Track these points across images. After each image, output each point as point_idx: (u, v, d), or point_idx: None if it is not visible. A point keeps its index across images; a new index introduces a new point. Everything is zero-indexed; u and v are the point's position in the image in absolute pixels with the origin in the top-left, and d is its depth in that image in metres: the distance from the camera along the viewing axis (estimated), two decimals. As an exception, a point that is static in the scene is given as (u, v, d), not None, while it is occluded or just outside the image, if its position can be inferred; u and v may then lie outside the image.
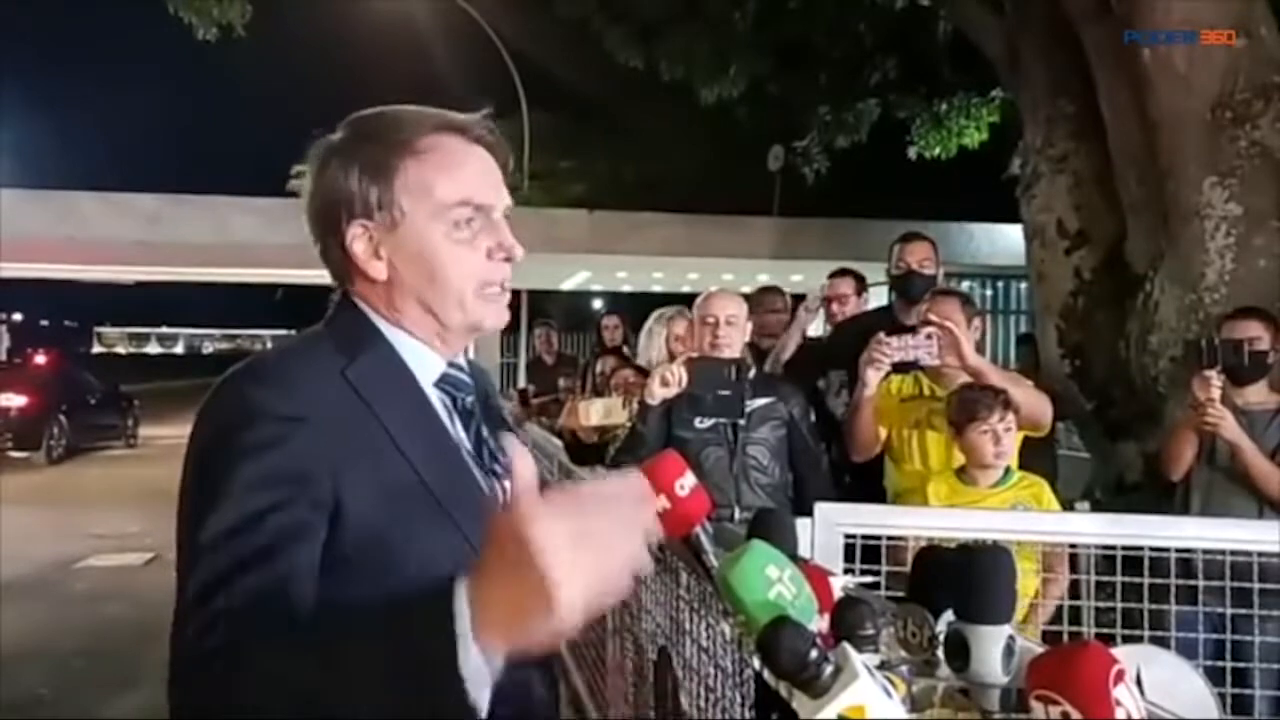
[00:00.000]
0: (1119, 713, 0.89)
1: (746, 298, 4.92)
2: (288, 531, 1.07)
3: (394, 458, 1.15)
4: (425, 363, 1.26)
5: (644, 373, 4.22)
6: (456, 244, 1.23)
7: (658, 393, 3.27)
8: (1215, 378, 3.36)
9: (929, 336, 3.22)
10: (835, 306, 4.62)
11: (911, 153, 11.16)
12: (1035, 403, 3.26)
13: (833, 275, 4.79)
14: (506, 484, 1.26)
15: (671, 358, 4.06)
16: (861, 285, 4.72)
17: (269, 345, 1.27)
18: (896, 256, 4.06)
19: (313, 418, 1.12)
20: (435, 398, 1.26)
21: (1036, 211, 5.53)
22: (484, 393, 1.36)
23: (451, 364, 1.29)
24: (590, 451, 4.00)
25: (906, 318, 3.87)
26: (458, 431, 1.27)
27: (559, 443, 5.04)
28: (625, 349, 6.35)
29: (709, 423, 3.34)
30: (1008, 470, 3.11)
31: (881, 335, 3.30)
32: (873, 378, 3.33)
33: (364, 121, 1.27)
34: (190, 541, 1.07)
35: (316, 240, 1.28)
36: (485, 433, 1.30)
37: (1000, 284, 18.86)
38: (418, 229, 1.22)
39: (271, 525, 1.07)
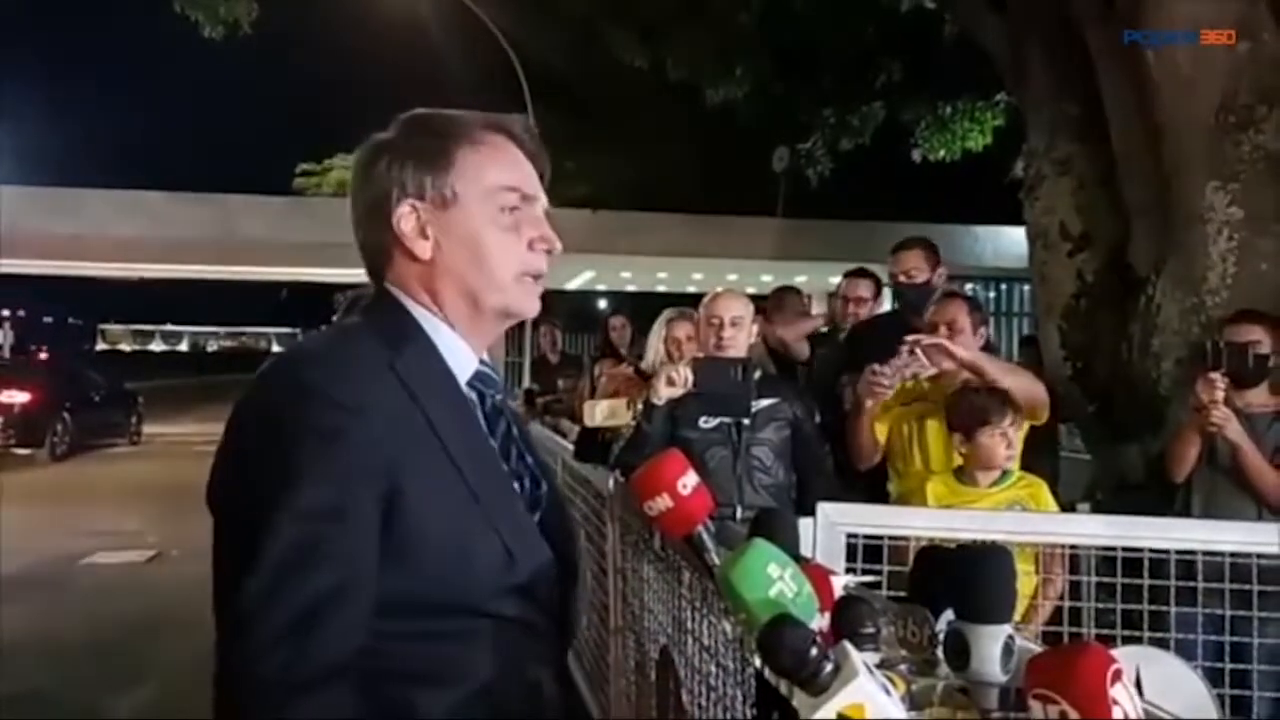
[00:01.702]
0: (1116, 712, 0.90)
1: (766, 298, 4.94)
2: (357, 538, 1.09)
3: (439, 456, 1.17)
4: (461, 359, 1.27)
5: (642, 373, 4.23)
6: (503, 230, 1.27)
7: (663, 392, 3.28)
8: (1219, 380, 3.37)
9: (912, 353, 3.19)
10: (852, 308, 4.63)
11: (916, 155, 11.18)
12: (1031, 389, 3.26)
13: (849, 275, 4.79)
14: (528, 482, 1.29)
15: (670, 359, 4.08)
16: (878, 287, 4.73)
17: (274, 344, 1.28)
18: (889, 266, 4.08)
19: (370, 409, 1.12)
20: (468, 395, 1.27)
21: (1039, 214, 5.53)
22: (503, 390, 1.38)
23: (482, 361, 1.31)
24: (595, 450, 4.01)
25: (913, 322, 3.88)
26: (486, 430, 1.28)
27: (563, 441, 5.05)
28: (629, 350, 6.36)
29: (713, 422, 3.35)
30: (1006, 470, 3.12)
31: (875, 367, 3.25)
32: (871, 406, 3.34)
33: (418, 117, 1.31)
34: (256, 547, 1.06)
35: (358, 228, 1.30)
36: (515, 431, 1.32)
37: (1004, 286, 18.89)
38: (467, 211, 1.26)
39: (342, 533, 1.08)
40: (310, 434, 1.08)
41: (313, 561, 1.06)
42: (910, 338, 3.22)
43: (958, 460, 3.18)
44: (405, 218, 1.25)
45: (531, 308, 1.31)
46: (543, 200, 1.32)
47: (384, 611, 1.10)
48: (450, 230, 1.25)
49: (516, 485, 1.27)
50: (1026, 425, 3.20)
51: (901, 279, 3.99)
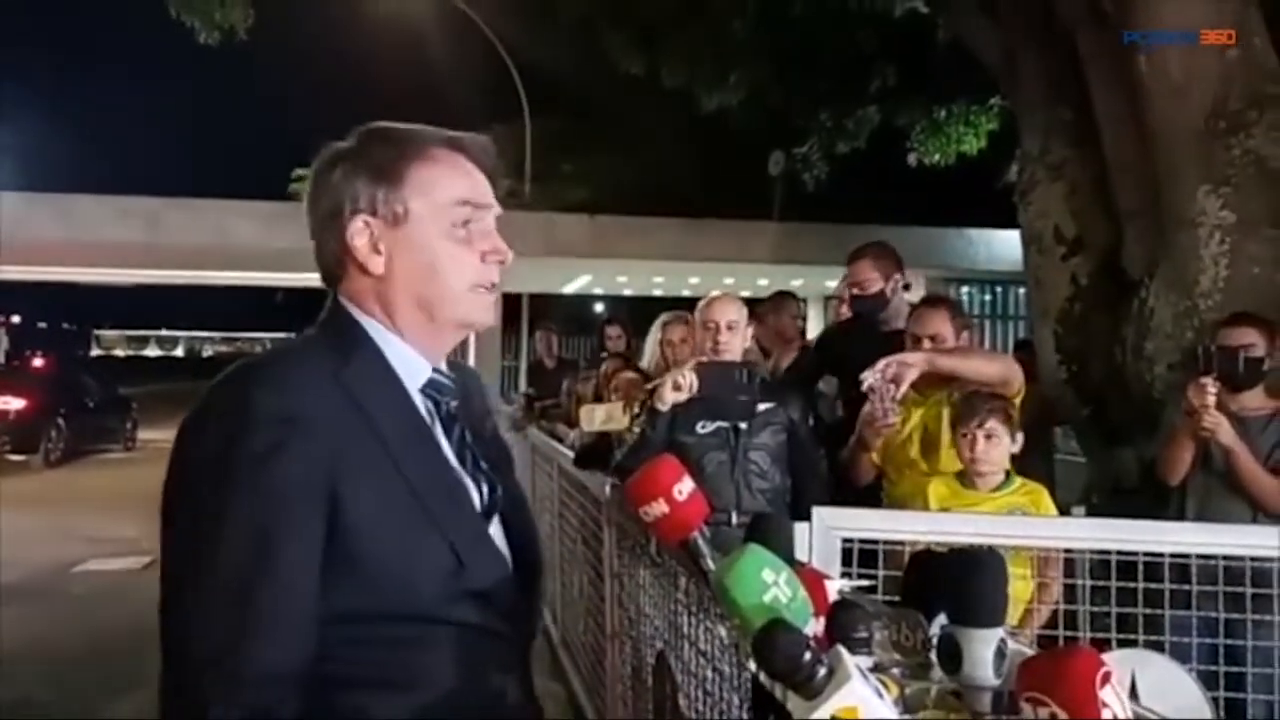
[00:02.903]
0: (1106, 714, 0.90)
1: (760, 302, 4.94)
2: (300, 553, 1.11)
3: (386, 464, 1.18)
4: (412, 368, 1.28)
5: (646, 375, 4.23)
6: (456, 243, 1.28)
7: (668, 398, 3.27)
8: (1210, 384, 3.38)
9: (872, 390, 3.13)
10: (846, 310, 4.63)
11: (911, 159, 11.20)
12: (987, 367, 3.26)
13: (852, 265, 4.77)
14: (484, 487, 1.30)
15: (665, 362, 4.08)
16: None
17: (269, 348, 1.29)
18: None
19: (310, 420, 1.14)
20: (420, 403, 1.28)
21: (1033, 218, 5.55)
22: (471, 394, 1.39)
23: (436, 369, 1.32)
24: (595, 456, 4.01)
25: (881, 325, 3.90)
26: (440, 437, 1.29)
27: (560, 446, 5.05)
28: (627, 353, 6.35)
29: (711, 427, 3.36)
30: (1009, 475, 3.13)
31: (873, 416, 3.20)
32: (877, 443, 3.32)
33: (376, 130, 1.32)
34: (197, 567, 1.10)
35: (314, 237, 1.31)
36: (469, 437, 1.33)
37: (998, 289, 18.93)
38: (420, 227, 1.27)
39: (283, 549, 1.10)
40: (249, 450, 1.10)
41: (252, 578, 1.08)
42: (863, 375, 3.13)
43: (959, 464, 3.18)
44: (359, 233, 1.26)
45: (486, 318, 1.33)
46: (495, 209, 1.33)
47: (334, 620, 1.12)
48: (403, 246, 1.27)
49: (474, 492, 1.28)
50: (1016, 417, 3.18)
51: (854, 290, 3.96)
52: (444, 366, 1.34)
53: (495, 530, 1.31)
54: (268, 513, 1.10)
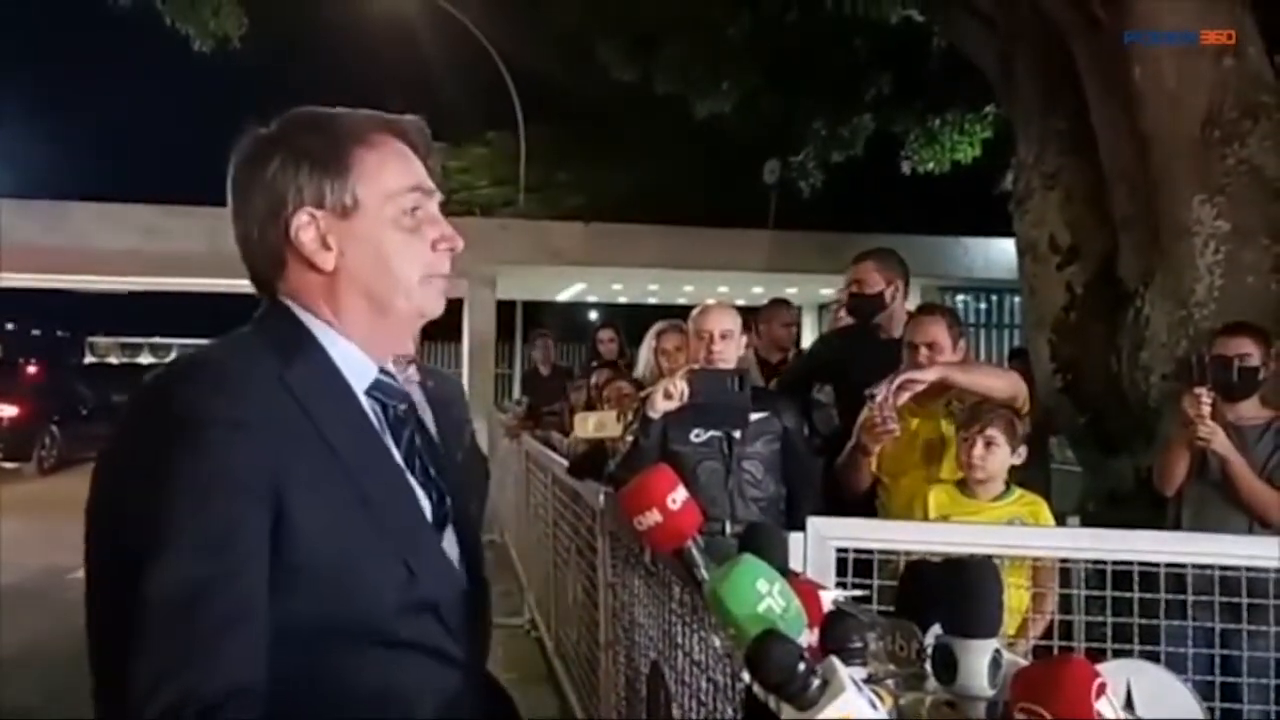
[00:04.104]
0: (1101, 725, 0.90)
1: (754, 310, 4.94)
2: (245, 565, 1.03)
3: (333, 470, 1.11)
4: (357, 369, 1.22)
5: (638, 385, 4.23)
6: (406, 232, 1.23)
7: (660, 406, 3.26)
8: (1206, 394, 3.38)
9: (871, 396, 3.14)
10: (843, 315, 4.63)
11: (906, 167, 11.22)
12: (996, 382, 3.26)
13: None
14: (435, 494, 1.25)
15: (660, 371, 4.08)
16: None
17: (201, 348, 1.19)
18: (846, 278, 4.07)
19: (253, 423, 1.06)
20: (367, 406, 1.22)
21: (1029, 226, 5.56)
22: (451, 402, 1.36)
23: (383, 370, 1.26)
24: (589, 466, 4.00)
25: (879, 332, 3.91)
26: (388, 442, 1.23)
27: (554, 455, 5.05)
28: (621, 362, 6.35)
29: (705, 436, 3.35)
30: (1009, 486, 3.12)
31: (873, 423, 3.18)
32: (875, 449, 3.30)
33: (304, 115, 1.25)
34: (136, 585, 0.99)
35: (243, 236, 1.23)
36: (418, 442, 1.28)
37: (994, 298, 18.92)
38: (369, 217, 1.21)
39: (226, 561, 1.01)
40: (185, 460, 1.02)
41: (193, 594, 0.99)
42: (868, 391, 3.15)
43: (959, 473, 3.18)
44: (304, 228, 1.19)
45: (438, 307, 1.27)
46: (438, 195, 1.27)
47: (280, 634, 1.03)
48: (352, 238, 1.20)
49: (424, 499, 1.23)
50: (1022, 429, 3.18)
51: (854, 289, 3.97)
52: (390, 367, 1.29)
53: (448, 542, 1.25)
54: (209, 522, 1.01)
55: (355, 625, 1.10)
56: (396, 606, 1.13)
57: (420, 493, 1.23)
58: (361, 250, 1.21)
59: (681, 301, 18.03)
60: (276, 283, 1.23)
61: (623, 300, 21.81)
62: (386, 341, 1.27)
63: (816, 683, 0.92)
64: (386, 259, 1.21)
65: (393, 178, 1.22)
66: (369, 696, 1.10)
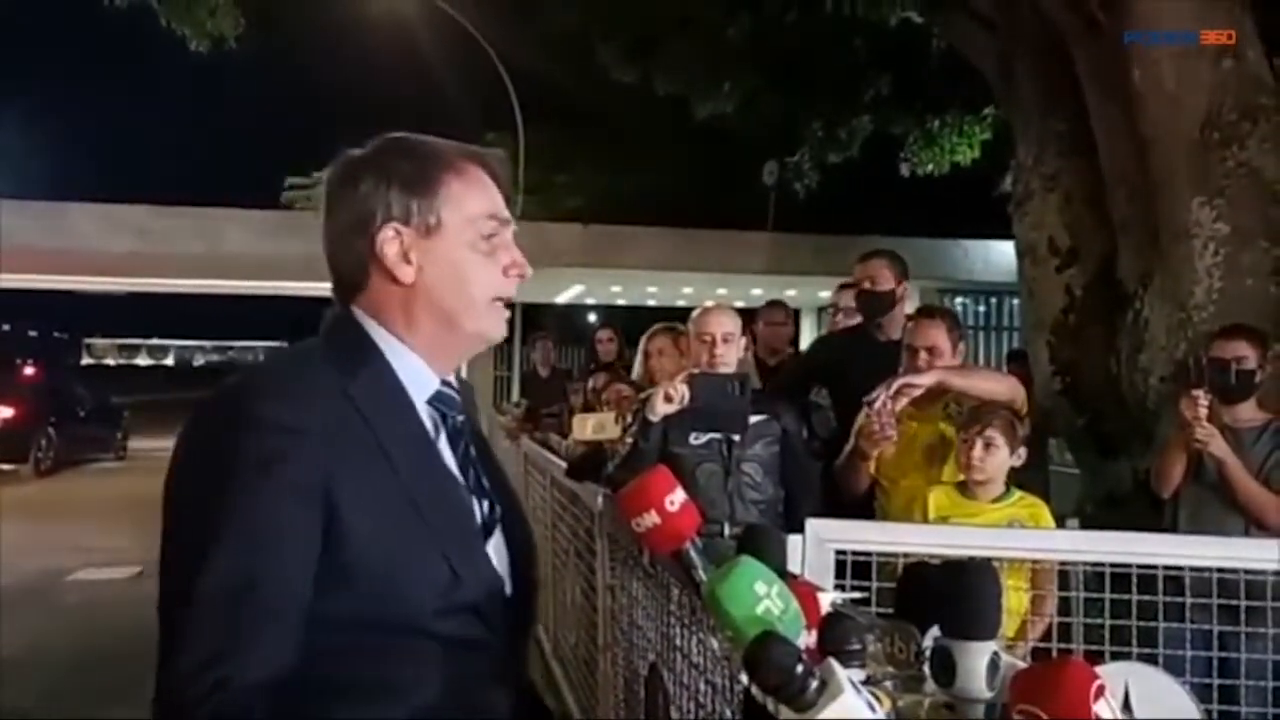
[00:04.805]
0: (1100, 728, 0.90)
1: (750, 311, 4.94)
2: (293, 562, 1.11)
3: (387, 476, 1.18)
4: (420, 380, 1.29)
5: (637, 387, 4.23)
6: (480, 255, 1.30)
7: (660, 409, 3.26)
8: (1203, 397, 3.38)
9: (869, 404, 3.14)
10: (842, 318, 4.63)
11: (905, 169, 11.21)
12: (996, 386, 3.27)
13: (843, 287, 4.79)
14: (485, 504, 1.30)
15: (650, 373, 4.08)
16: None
17: (260, 358, 1.28)
18: (854, 275, 4.08)
19: (311, 430, 1.14)
20: (426, 415, 1.29)
21: (1028, 229, 5.57)
22: (467, 407, 1.39)
23: (444, 382, 1.32)
24: (588, 468, 4.00)
25: (879, 334, 3.91)
26: (445, 450, 1.29)
27: (553, 457, 5.04)
28: (619, 363, 6.35)
29: (704, 438, 3.35)
30: (1009, 487, 3.12)
31: (871, 429, 3.19)
32: (873, 453, 3.30)
33: (399, 140, 1.33)
34: (191, 574, 1.09)
35: (331, 247, 1.31)
36: (473, 452, 1.33)
37: (993, 300, 18.95)
38: (450, 239, 1.28)
39: (277, 556, 1.10)
40: (248, 457, 1.11)
41: (243, 585, 1.08)
42: (866, 399, 3.14)
43: (959, 475, 3.18)
44: (389, 241, 1.27)
45: (501, 332, 1.35)
46: (513, 225, 1.36)
47: (325, 628, 1.12)
48: (432, 256, 1.28)
49: (475, 506, 1.29)
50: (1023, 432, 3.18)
51: (865, 285, 3.97)
52: (452, 379, 1.36)
53: (495, 546, 1.30)
54: (263, 520, 1.10)
55: (399, 621, 1.17)
56: (439, 607, 1.19)
57: (473, 500, 1.29)
58: (440, 268, 1.28)
59: (680, 303, 18.06)
60: (359, 292, 1.30)
61: (621, 302, 21.83)
62: (449, 358, 1.34)
63: (815, 684, 0.92)
64: (462, 278, 1.29)
65: (475, 203, 1.31)
66: (405, 690, 1.17)
